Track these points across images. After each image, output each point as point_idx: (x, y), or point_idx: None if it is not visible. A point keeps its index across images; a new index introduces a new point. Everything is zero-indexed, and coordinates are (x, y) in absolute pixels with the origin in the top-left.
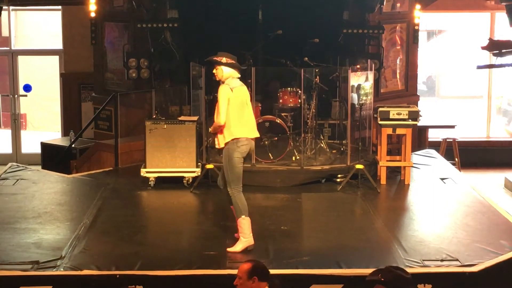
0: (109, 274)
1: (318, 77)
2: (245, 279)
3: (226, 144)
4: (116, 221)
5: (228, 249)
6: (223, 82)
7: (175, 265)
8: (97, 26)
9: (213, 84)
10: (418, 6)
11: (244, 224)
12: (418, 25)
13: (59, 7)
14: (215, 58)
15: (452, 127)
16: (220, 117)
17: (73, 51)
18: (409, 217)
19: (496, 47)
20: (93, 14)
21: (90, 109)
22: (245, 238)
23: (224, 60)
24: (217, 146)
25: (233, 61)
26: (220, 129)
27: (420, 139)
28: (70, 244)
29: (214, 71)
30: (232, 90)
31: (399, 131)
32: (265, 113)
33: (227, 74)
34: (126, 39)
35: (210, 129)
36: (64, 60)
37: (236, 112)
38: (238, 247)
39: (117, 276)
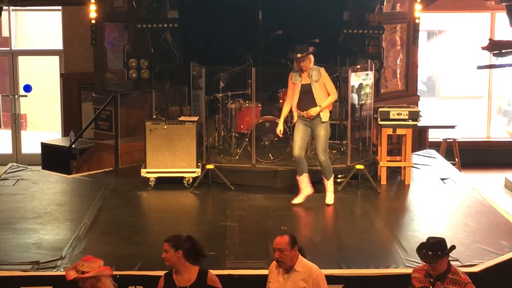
0: None
1: None
2: (289, 250)
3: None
4: (116, 221)
5: (327, 203)
6: (309, 68)
7: None
8: (97, 27)
9: (213, 85)
10: (418, 6)
11: (332, 182)
12: (418, 25)
13: (59, 7)
14: (307, 52)
15: (452, 127)
16: (336, 92)
17: (73, 52)
18: (409, 217)
19: (496, 47)
20: (93, 14)
21: (90, 110)
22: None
23: (310, 49)
24: (324, 120)
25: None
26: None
27: (420, 139)
28: (70, 245)
29: (302, 64)
30: None
31: (399, 131)
32: (265, 114)
33: (313, 59)
34: (126, 39)
35: (322, 106)
36: (64, 60)
37: None
38: (330, 199)
39: (117, 276)
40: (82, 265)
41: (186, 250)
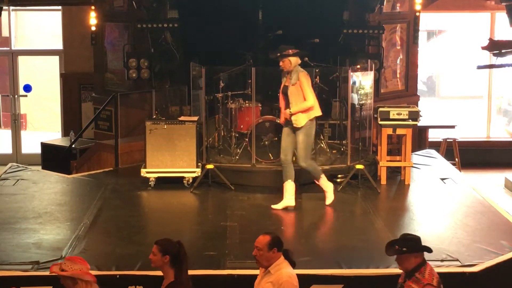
0: (109, 274)
1: (318, 77)
2: (265, 251)
3: (306, 123)
4: (116, 221)
5: (327, 203)
6: (291, 70)
7: None
8: (97, 27)
9: (213, 85)
10: (418, 6)
11: (325, 180)
12: (418, 24)
13: (59, 7)
14: (283, 53)
15: (452, 127)
16: (312, 98)
17: (73, 52)
18: (409, 217)
19: (496, 47)
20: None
21: (90, 109)
22: (331, 192)
23: (290, 51)
24: (298, 125)
25: (297, 50)
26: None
27: (420, 139)
28: (70, 245)
29: (281, 63)
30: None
31: (399, 131)
32: (265, 114)
33: (295, 62)
34: (126, 39)
35: (290, 111)
36: (64, 60)
37: (314, 93)
38: (329, 199)
39: (117, 276)
40: (65, 263)
41: (174, 256)
